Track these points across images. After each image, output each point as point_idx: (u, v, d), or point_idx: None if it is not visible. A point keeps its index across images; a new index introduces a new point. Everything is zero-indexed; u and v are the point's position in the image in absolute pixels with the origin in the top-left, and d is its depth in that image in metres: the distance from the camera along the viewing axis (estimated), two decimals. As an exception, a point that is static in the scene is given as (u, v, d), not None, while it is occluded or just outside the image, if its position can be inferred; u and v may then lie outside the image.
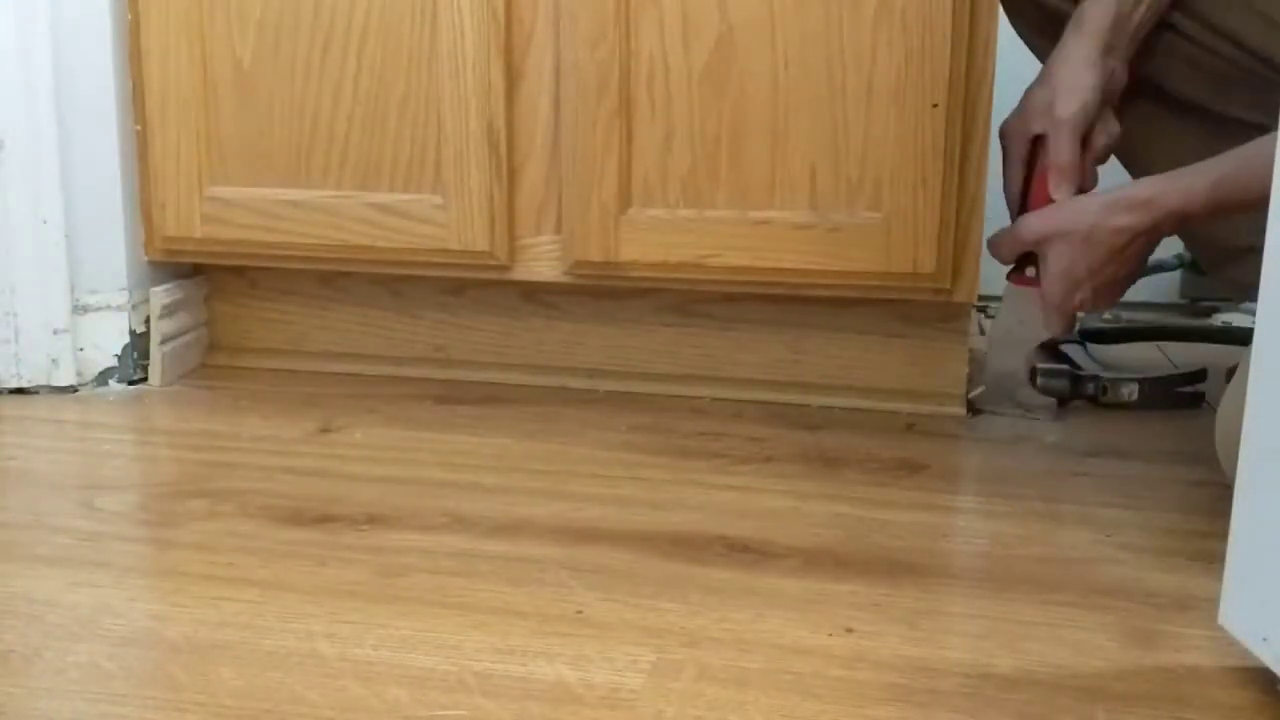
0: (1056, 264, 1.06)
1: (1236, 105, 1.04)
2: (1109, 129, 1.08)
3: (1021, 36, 1.17)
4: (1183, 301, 1.71)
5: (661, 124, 1.12)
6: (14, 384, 1.20)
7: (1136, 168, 1.13)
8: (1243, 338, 1.34)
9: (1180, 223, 1.03)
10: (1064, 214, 1.06)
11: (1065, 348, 1.28)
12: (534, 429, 1.11)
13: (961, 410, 1.15)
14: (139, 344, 1.24)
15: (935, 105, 1.07)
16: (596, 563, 0.83)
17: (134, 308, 1.23)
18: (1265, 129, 0.93)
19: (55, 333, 1.19)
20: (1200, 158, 0.99)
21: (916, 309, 1.17)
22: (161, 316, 1.24)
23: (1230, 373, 1.15)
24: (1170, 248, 1.66)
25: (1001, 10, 1.09)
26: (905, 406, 1.15)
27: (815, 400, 1.18)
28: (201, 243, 1.23)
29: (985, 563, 0.85)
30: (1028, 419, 1.14)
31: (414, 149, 1.17)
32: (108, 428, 1.13)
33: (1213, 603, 0.68)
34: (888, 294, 1.13)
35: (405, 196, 1.18)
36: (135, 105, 1.21)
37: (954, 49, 1.06)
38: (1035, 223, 1.07)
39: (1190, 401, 1.20)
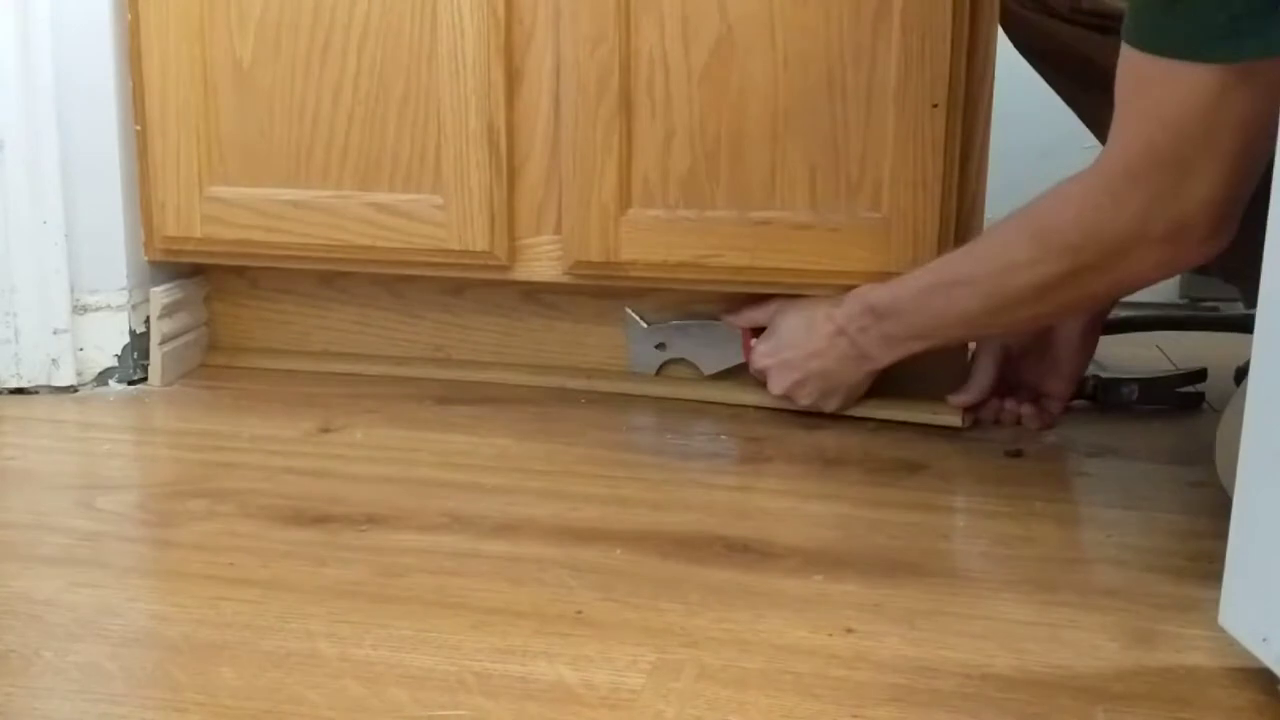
0: (774, 337, 1.13)
1: None
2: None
3: (1019, 51, 1.17)
4: (1182, 301, 1.71)
5: (661, 124, 1.12)
6: (14, 384, 1.19)
7: None
8: (1242, 325, 1.34)
9: (884, 320, 1.05)
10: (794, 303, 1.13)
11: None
12: (534, 429, 1.11)
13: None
14: (139, 344, 1.24)
15: (935, 105, 1.06)
16: (596, 563, 0.83)
17: (134, 308, 1.23)
18: None
19: (55, 333, 1.19)
20: None
21: (916, 309, 1.17)
22: (161, 316, 1.24)
23: (1240, 372, 1.15)
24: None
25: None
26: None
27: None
28: (202, 243, 1.23)
29: (985, 563, 0.85)
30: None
31: (414, 149, 1.17)
32: (108, 428, 1.13)
33: (1213, 603, 0.68)
34: (888, 294, 1.13)
35: (405, 196, 1.18)
36: (135, 105, 1.21)
37: (954, 49, 1.06)
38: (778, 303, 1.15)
39: (1190, 401, 1.20)
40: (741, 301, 1.18)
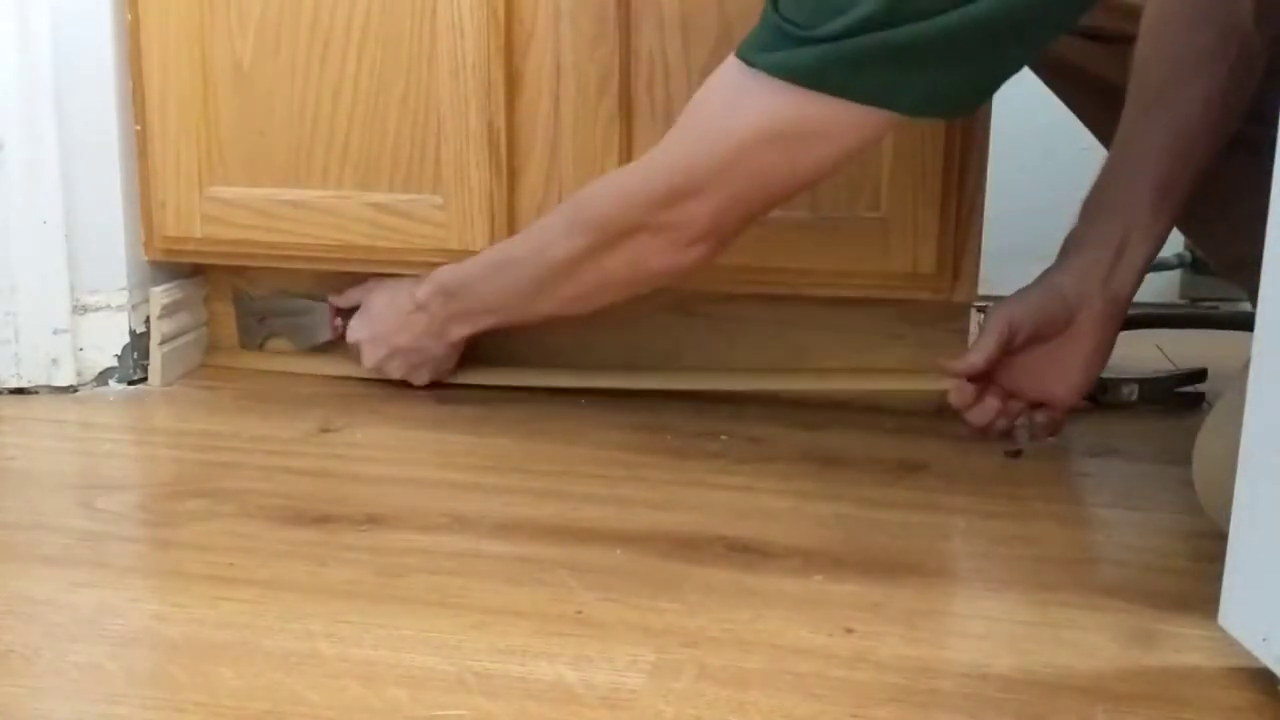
0: (365, 313, 1.20)
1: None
2: None
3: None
4: (1183, 302, 1.71)
5: (661, 124, 1.11)
6: (14, 384, 1.19)
7: None
8: (1242, 322, 1.34)
9: (456, 297, 1.12)
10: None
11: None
12: (534, 429, 1.11)
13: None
14: (139, 344, 1.24)
15: (935, 105, 1.06)
16: (596, 563, 0.83)
17: (134, 308, 1.23)
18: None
19: (55, 333, 1.19)
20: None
21: (916, 309, 1.17)
22: (161, 316, 1.24)
23: None
24: (1171, 247, 1.66)
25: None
26: (905, 406, 1.15)
27: (815, 400, 1.18)
28: (201, 243, 1.23)
29: (985, 563, 0.85)
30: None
31: (414, 149, 1.17)
32: (108, 428, 1.13)
33: (1213, 603, 0.68)
34: (888, 294, 1.13)
35: (405, 196, 1.18)
36: (135, 105, 1.21)
37: (954, 49, 1.05)
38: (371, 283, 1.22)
39: (1190, 401, 1.20)
40: (348, 281, 1.24)
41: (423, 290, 1.14)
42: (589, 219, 1.02)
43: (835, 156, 0.93)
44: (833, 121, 0.88)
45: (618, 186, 1.01)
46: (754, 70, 0.89)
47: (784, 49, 0.87)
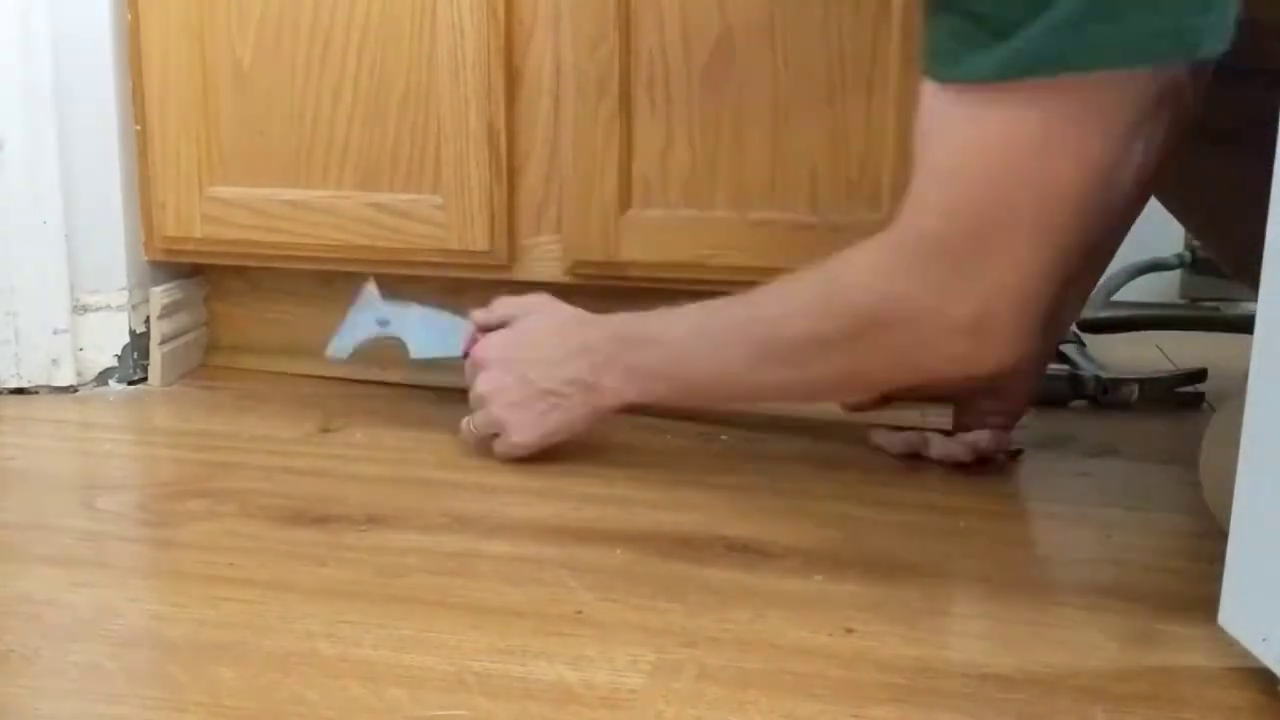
0: (513, 331, 1.02)
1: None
2: None
3: None
4: (1183, 302, 1.71)
5: (661, 124, 1.12)
6: (14, 384, 1.20)
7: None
8: (1241, 325, 1.34)
9: (632, 349, 0.96)
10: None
11: (1064, 348, 1.28)
12: (534, 429, 1.11)
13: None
14: (139, 344, 1.24)
15: (935, 105, 1.06)
16: (596, 563, 0.83)
17: (134, 308, 1.23)
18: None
19: (55, 333, 1.19)
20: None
21: (916, 309, 1.16)
22: (161, 316, 1.24)
23: None
24: (1171, 247, 1.67)
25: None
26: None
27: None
28: (201, 243, 1.23)
29: (985, 563, 0.85)
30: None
31: (414, 149, 1.17)
32: (108, 428, 1.13)
33: (1213, 603, 0.68)
34: (888, 294, 1.13)
35: (405, 196, 1.18)
36: (135, 105, 1.21)
37: (954, 49, 1.06)
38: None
39: (1190, 401, 1.20)
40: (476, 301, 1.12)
41: (596, 332, 0.97)
42: (849, 301, 0.85)
43: (1115, 145, 0.75)
44: (1090, 102, 0.72)
45: (879, 267, 0.84)
46: (968, 86, 0.74)
47: (997, 44, 0.71)
